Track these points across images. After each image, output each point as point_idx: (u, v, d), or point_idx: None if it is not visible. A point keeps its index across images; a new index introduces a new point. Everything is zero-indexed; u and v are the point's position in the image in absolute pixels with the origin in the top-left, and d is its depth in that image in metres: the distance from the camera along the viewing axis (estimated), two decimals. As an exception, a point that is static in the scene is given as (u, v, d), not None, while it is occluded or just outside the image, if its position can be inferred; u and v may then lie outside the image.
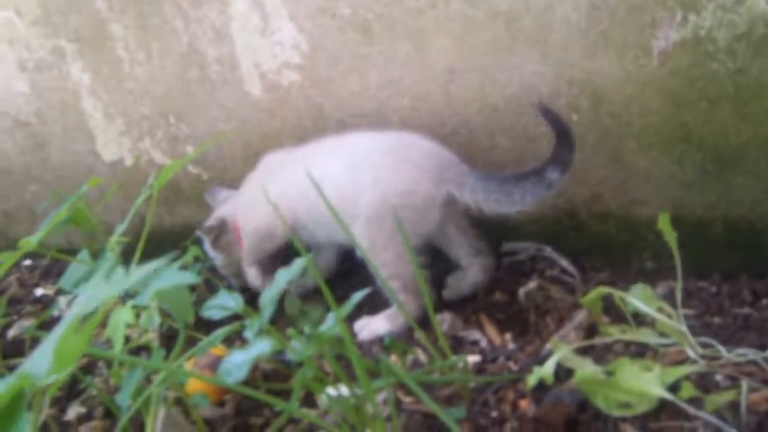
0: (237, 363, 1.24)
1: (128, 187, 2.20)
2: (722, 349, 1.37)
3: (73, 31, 2.08)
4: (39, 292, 2.30)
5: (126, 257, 1.72)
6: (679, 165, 1.62)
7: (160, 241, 2.01)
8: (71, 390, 1.67)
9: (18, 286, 2.35)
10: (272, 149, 1.92)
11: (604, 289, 1.46)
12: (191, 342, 1.62)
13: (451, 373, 1.43)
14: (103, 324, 1.61)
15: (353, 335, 1.68)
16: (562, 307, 1.63)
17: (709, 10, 1.49)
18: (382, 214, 1.62)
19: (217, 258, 1.95)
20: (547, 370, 1.34)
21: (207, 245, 1.93)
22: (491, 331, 1.63)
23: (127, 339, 1.68)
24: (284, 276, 1.43)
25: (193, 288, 1.86)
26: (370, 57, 1.79)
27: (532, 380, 1.34)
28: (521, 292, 1.69)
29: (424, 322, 1.52)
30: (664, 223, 1.44)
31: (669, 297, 1.53)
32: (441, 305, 1.70)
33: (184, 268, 1.63)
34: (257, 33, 1.86)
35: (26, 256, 2.48)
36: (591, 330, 1.53)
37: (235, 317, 1.41)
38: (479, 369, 1.51)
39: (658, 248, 1.66)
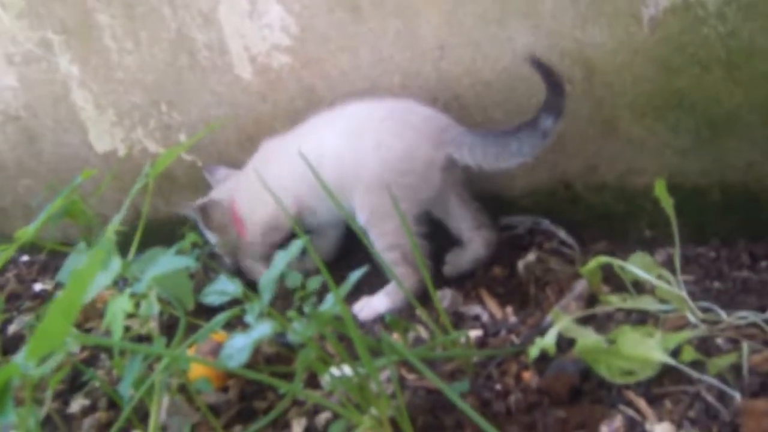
0: (239, 347, 1.24)
1: (122, 177, 2.19)
2: (722, 313, 1.37)
3: (59, 23, 2.07)
4: (37, 287, 2.29)
5: (122, 248, 1.71)
6: (674, 132, 1.62)
7: (157, 231, 2.00)
8: (74, 383, 1.67)
9: (16, 282, 2.35)
10: (266, 132, 1.92)
11: (604, 259, 1.46)
12: (192, 329, 1.61)
13: (453, 349, 1.43)
14: (102, 316, 1.61)
15: (353, 316, 1.67)
16: (561, 278, 1.63)
17: (698, -25, 1.49)
18: (384, 181, 1.61)
19: (211, 237, 1.95)
20: (548, 341, 1.34)
21: (201, 225, 1.93)
22: (492, 305, 1.63)
23: (127, 329, 1.68)
24: (283, 258, 1.43)
25: (191, 275, 1.85)
26: (360, 36, 1.78)
27: (534, 352, 1.34)
28: (520, 265, 1.70)
29: (424, 297, 1.52)
30: (660, 190, 1.43)
31: (668, 264, 1.53)
32: (441, 282, 1.70)
33: (181, 253, 1.62)
34: (245, 16, 1.85)
35: (23, 251, 2.48)
36: (591, 300, 1.53)
37: (235, 302, 1.41)
38: (481, 343, 1.51)
39: (656, 216, 1.66)
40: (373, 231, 1.64)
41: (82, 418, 1.57)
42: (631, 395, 1.24)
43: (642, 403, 1.22)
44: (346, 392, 1.25)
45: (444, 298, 1.63)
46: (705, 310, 1.39)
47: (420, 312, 1.52)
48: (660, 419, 1.18)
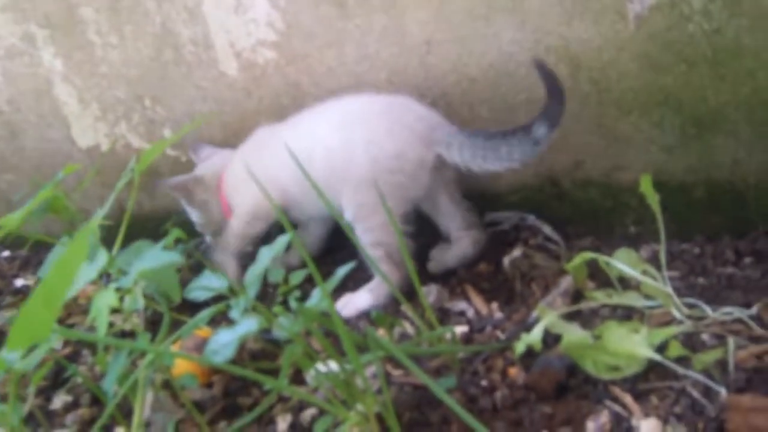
0: (224, 342, 1.24)
1: (105, 173, 2.18)
2: (707, 309, 1.38)
3: (43, 17, 2.05)
4: (19, 282, 2.27)
5: (106, 243, 1.70)
6: (659, 129, 1.62)
7: (141, 226, 1.98)
8: (56, 379, 1.66)
9: (-3, 278, 2.33)
10: (250, 128, 1.91)
11: (589, 255, 1.46)
12: (176, 325, 1.61)
13: (439, 345, 1.43)
14: (86, 311, 1.60)
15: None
16: (547, 274, 1.63)
17: (683, -28, 1.49)
18: (373, 177, 1.60)
19: (194, 214, 1.94)
20: (534, 336, 1.34)
21: (183, 202, 1.92)
22: (477, 301, 1.62)
23: (111, 325, 1.67)
24: (267, 253, 1.42)
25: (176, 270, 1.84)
26: (345, 31, 1.78)
27: (520, 347, 1.34)
28: (506, 261, 1.70)
29: (409, 293, 1.52)
30: (646, 186, 1.44)
31: (653, 260, 1.54)
32: (425, 277, 1.70)
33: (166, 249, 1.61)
34: (231, 11, 1.84)
35: (5, 246, 2.46)
36: (577, 296, 1.54)
37: (220, 298, 1.41)
38: (467, 339, 1.51)
39: (641, 213, 1.67)
40: (359, 227, 1.63)
41: (65, 414, 1.55)
42: (617, 391, 1.24)
43: (628, 399, 1.22)
44: (331, 388, 1.25)
45: (429, 293, 1.63)
46: (690, 306, 1.40)
47: (405, 308, 1.52)
48: (646, 415, 1.18)
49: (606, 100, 1.64)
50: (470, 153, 1.58)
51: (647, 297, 1.44)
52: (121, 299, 1.55)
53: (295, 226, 1.82)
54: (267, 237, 1.76)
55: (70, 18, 2.02)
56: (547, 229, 1.77)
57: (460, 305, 1.61)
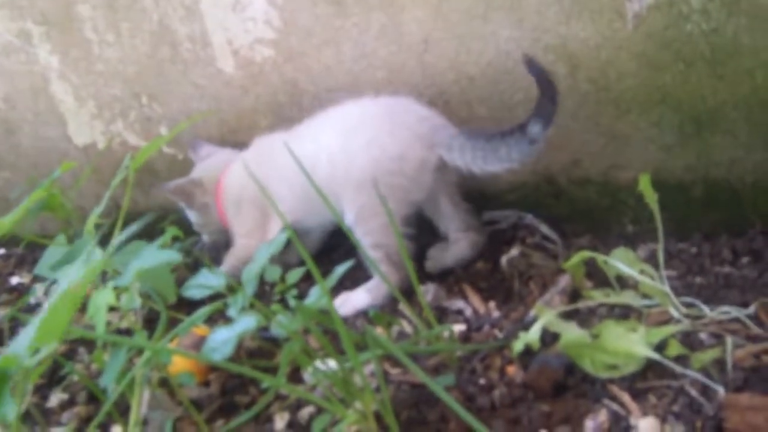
0: (222, 340, 1.23)
1: (102, 170, 2.18)
2: (705, 308, 1.38)
3: (39, 14, 2.04)
4: (14, 280, 2.27)
5: (101, 241, 1.70)
6: (658, 128, 1.62)
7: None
8: (53, 377, 1.65)
9: (-7, 275, 2.33)
10: (247, 126, 1.91)
11: (587, 254, 1.46)
12: (172, 323, 1.60)
13: (437, 343, 1.43)
14: (83, 309, 1.59)
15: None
16: (544, 273, 1.63)
17: (681, -29, 1.49)
18: (374, 179, 1.60)
19: (192, 216, 1.94)
20: (533, 335, 1.34)
21: (182, 205, 1.92)
22: (475, 299, 1.62)
23: (108, 323, 1.67)
24: (265, 251, 1.42)
25: (173, 269, 1.84)
26: (343, 30, 1.77)
27: (518, 346, 1.34)
28: (503, 259, 1.69)
29: (407, 292, 1.51)
30: (644, 184, 1.44)
31: (650, 259, 1.54)
32: (423, 276, 1.69)
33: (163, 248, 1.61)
34: (228, 9, 1.84)
35: (0, 244, 2.45)
36: (574, 294, 1.54)
37: (217, 296, 1.41)
38: (465, 338, 1.51)
39: (639, 212, 1.67)
40: (359, 228, 1.63)
41: (61, 412, 1.55)
42: (615, 390, 1.25)
43: (626, 398, 1.23)
44: (329, 386, 1.25)
45: (427, 292, 1.63)
46: (688, 305, 1.40)
47: (403, 306, 1.52)
48: (644, 413, 1.18)
49: (604, 99, 1.64)
50: (471, 155, 1.57)
51: (645, 296, 1.44)
52: (118, 297, 1.55)
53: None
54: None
55: (66, 15, 2.01)
56: (545, 228, 1.77)
57: (458, 304, 1.61)
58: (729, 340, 1.28)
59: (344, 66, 1.82)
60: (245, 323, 1.25)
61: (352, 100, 1.73)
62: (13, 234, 1.82)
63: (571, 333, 1.34)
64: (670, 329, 1.32)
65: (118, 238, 1.63)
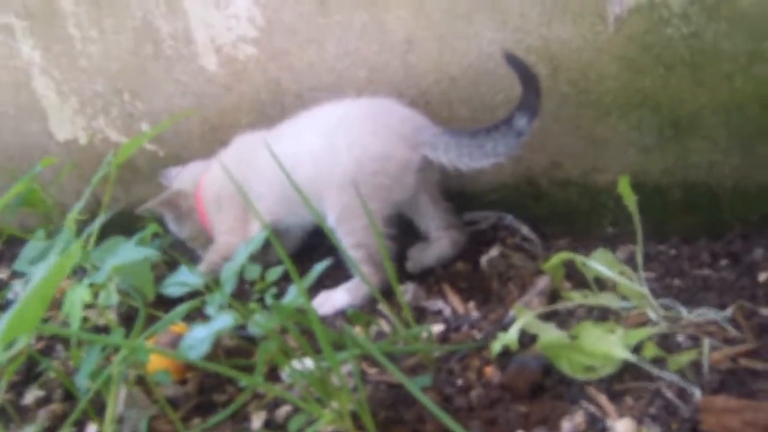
0: (199, 338, 1.23)
1: (83, 166, 2.17)
2: (683, 310, 1.39)
3: (22, 8, 2.03)
4: (-7, 275, 2.25)
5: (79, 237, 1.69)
6: (638, 131, 1.63)
7: (116, 221, 1.97)
8: (29, 374, 1.64)
9: (-29, 271, 2.31)
10: (230, 124, 1.90)
11: (566, 255, 1.47)
12: (151, 321, 1.60)
13: (415, 343, 1.43)
14: (59, 306, 1.59)
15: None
16: (524, 274, 1.64)
17: (663, -25, 1.50)
18: (357, 180, 1.60)
19: (184, 230, 1.93)
20: (511, 336, 1.34)
21: (169, 220, 1.91)
22: (454, 300, 1.62)
23: (85, 320, 1.66)
24: (244, 250, 1.42)
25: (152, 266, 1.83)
26: (327, 28, 1.77)
27: (496, 347, 1.34)
28: (483, 260, 1.70)
29: (386, 292, 1.51)
30: (624, 187, 1.44)
31: (629, 261, 1.54)
32: (402, 276, 1.69)
33: (141, 244, 1.60)
34: (211, 6, 1.84)
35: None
36: (553, 296, 1.54)
37: (195, 294, 1.40)
38: (443, 338, 1.51)
39: (618, 214, 1.67)
40: (341, 228, 1.63)
41: (37, 409, 1.54)
42: (592, 391, 1.25)
43: (603, 399, 1.23)
44: (306, 386, 1.25)
45: (406, 292, 1.63)
46: (666, 308, 1.41)
47: (382, 306, 1.52)
48: (621, 415, 1.18)
49: (585, 101, 1.65)
50: (456, 152, 1.58)
51: (623, 298, 1.44)
52: (96, 294, 1.54)
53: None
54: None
55: (49, 10, 2.01)
56: (525, 229, 1.77)
57: (437, 304, 1.61)
58: (706, 342, 1.28)
59: (327, 64, 1.81)
60: (222, 321, 1.25)
61: (333, 101, 1.73)
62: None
63: (550, 334, 1.34)
64: (647, 331, 1.32)
65: (90, 228, 1.62)
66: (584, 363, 1.28)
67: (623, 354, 1.26)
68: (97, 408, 1.39)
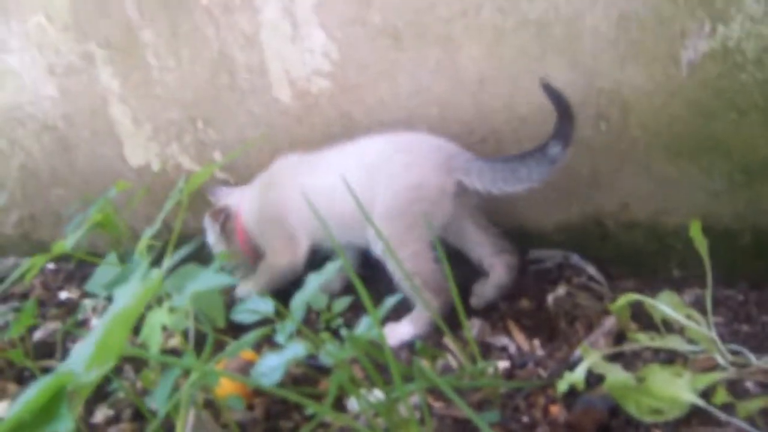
0: (272, 366, 1.25)
1: (155, 192, 2.22)
2: (752, 357, 1.38)
3: (103, 37, 2.10)
4: (63, 295, 2.31)
5: (152, 263, 1.73)
6: (707, 175, 1.63)
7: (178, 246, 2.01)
8: (99, 392, 1.68)
9: (42, 289, 2.37)
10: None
11: (633, 296, 1.47)
12: (219, 346, 1.63)
13: (481, 379, 1.44)
14: (134, 330, 1.62)
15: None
16: (590, 313, 1.64)
17: (737, 21, 1.50)
18: (397, 210, 1.64)
19: (219, 246, 1.98)
20: (578, 375, 1.34)
21: (211, 233, 1.96)
22: (519, 337, 1.63)
23: (155, 342, 1.70)
24: (315, 279, 1.44)
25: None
26: (399, 64, 1.80)
27: (563, 385, 1.34)
28: (550, 298, 1.70)
29: (451, 326, 1.52)
30: (695, 231, 1.44)
31: (696, 305, 1.54)
32: (468, 313, 1.70)
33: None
34: (287, 40, 1.88)
35: (51, 259, 2.50)
36: (619, 337, 1.54)
37: (263, 321, 1.43)
38: (508, 375, 1.51)
39: (685, 257, 1.67)
40: (390, 261, 1.65)
41: (106, 428, 1.57)
42: (659, 434, 1.25)
43: (670, 443, 1.23)
44: (373, 416, 1.26)
45: (472, 327, 1.64)
46: (734, 353, 1.40)
47: (448, 340, 1.53)
48: (688, 459, 1.18)
49: (655, 143, 1.65)
50: (490, 177, 1.61)
51: (690, 341, 1.44)
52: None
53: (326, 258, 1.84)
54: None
55: (130, 40, 2.07)
56: (591, 269, 1.78)
57: (502, 340, 1.62)
58: (775, 390, 1.27)
59: (399, 100, 1.85)
60: (294, 350, 1.26)
61: (367, 137, 1.78)
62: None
63: (616, 375, 1.34)
64: (715, 376, 1.31)
65: (171, 259, 1.66)
66: (651, 405, 1.27)
67: (691, 398, 1.25)
68: (166, 429, 1.42)
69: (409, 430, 1.21)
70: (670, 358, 1.43)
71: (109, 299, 1.71)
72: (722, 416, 1.23)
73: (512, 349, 1.60)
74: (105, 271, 1.91)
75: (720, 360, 1.38)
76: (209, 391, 1.37)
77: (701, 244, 1.44)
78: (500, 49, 1.70)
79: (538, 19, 1.64)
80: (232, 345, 1.34)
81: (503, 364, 1.54)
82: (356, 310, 1.80)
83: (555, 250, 1.84)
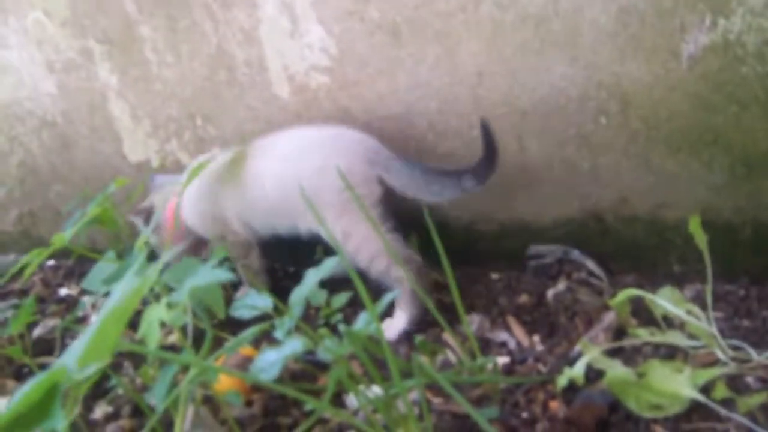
0: (271, 361, 1.25)
1: (154, 188, 2.21)
2: (752, 352, 1.37)
3: (101, 33, 2.10)
4: (63, 292, 2.31)
5: (149, 259, 1.73)
6: (708, 168, 1.62)
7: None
8: (98, 389, 1.67)
9: (42, 286, 2.37)
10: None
11: (633, 291, 1.46)
12: (217, 342, 1.63)
13: (480, 374, 1.43)
14: (132, 325, 1.62)
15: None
16: (590, 309, 1.63)
17: (738, 15, 1.49)
18: (335, 200, 1.66)
19: (152, 237, 1.99)
20: (577, 371, 1.34)
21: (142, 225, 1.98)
22: (519, 332, 1.63)
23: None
24: (314, 275, 1.44)
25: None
26: (398, 60, 1.80)
27: (562, 381, 1.34)
28: (550, 294, 1.70)
29: (450, 323, 1.52)
30: (695, 226, 1.44)
31: (696, 300, 1.53)
32: (466, 307, 1.69)
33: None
34: (286, 35, 1.87)
35: (50, 256, 2.49)
36: (619, 332, 1.53)
37: (261, 317, 1.42)
38: (508, 370, 1.51)
39: (686, 251, 1.66)
40: (349, 250, 1.67)
41: (105, 424, 1.57)
42: (659, 429, 1.24)
43: (670, 438, 1.22)
44: (372, 412, 1.26)
45: (471, 323, 1.63)
46: (734, 348, 1.39)
47: (447, 335, 1.52)
48: (688, 455, 1.18)
49: (655, 137, 1.64)
50: (406, 180, 1.66)
51: (691, 336, 1.44)
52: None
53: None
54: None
55: (128, 35, 2.07)
56: (591, 264, 1.77)
57: (502, 336, 1.61)
58: (776, 385, 1.27)
59: (397, 95, 1.84)
60: (293, 346, 1.26)
61: (294, 129, 1.81)
62: (64, 246, 1.85)
63: (617, 370, 1.33)
64: (716, 371, 1.31)
65: (167, 254, 1.66)
66: (651, 401, 1.27)
67: (691, 393, 1.25)
68: (165, 425, 1.42)
69: (408, 426, 1.21)
70: (670, 353, 1.43)
71: (108, 296, 1.71)
72: (723, 411, 1.23)
73: (512, 344, 1.59)
74: (102, 268, 1.91)
75: (720, 355, 1.38)
76: (208, 387, 1.37)
77: (701, 240, 1.44)
78: (499, 43, 1.69)
79: (537, 14, 1.63)
80: (231, 341, 1.34)
81: (503, 360, 1.53)
82: (355, 306, 1.79)
83: (555, 245, 1.83)
